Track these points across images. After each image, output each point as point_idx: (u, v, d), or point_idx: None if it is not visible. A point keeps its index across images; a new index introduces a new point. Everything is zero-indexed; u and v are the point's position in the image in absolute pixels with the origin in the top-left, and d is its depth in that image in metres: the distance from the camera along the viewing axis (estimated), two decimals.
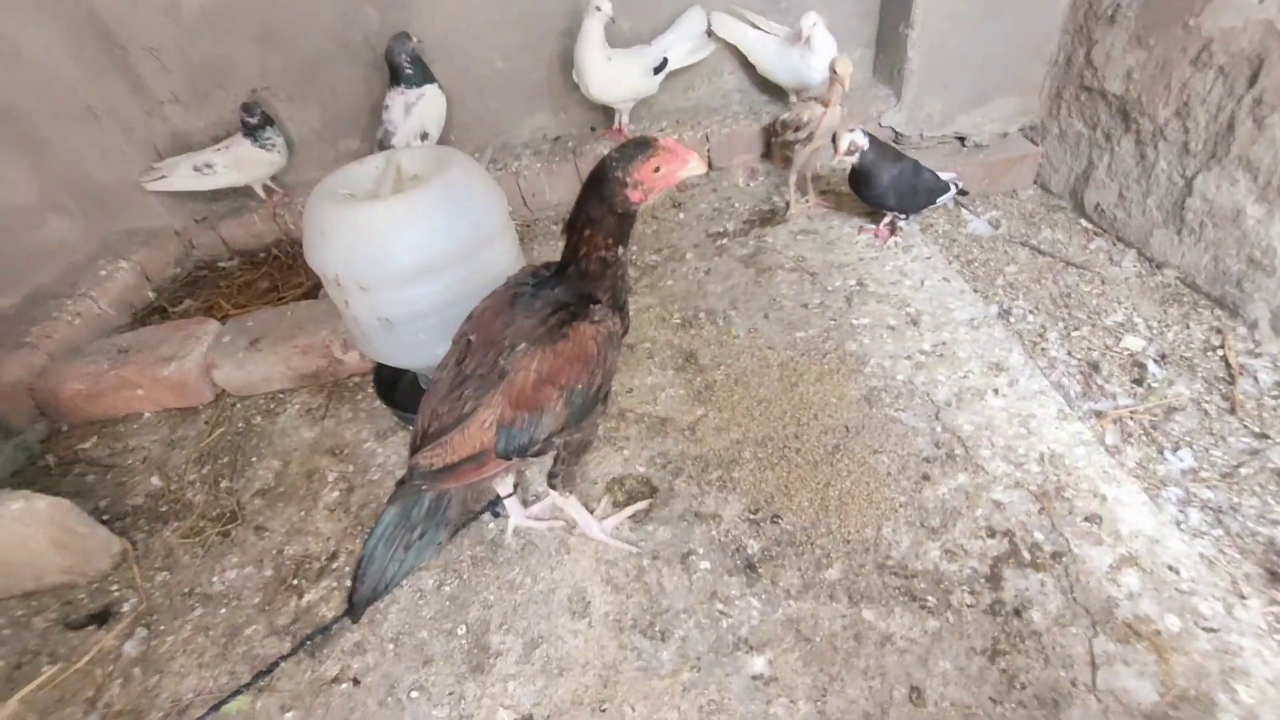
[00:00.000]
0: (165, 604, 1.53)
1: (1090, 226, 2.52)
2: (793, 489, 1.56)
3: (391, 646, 1.38)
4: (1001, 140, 2.82)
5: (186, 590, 1.55)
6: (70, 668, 1.39)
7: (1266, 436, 1.69)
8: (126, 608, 1.52)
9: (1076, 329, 2.11)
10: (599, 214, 1.12)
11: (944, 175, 2.36)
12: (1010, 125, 2.79)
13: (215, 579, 1.58)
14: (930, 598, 1.33)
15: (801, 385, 1.83)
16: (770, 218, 2.60)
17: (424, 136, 2.58)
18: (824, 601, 1.35)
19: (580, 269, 1.16)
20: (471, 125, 2.86)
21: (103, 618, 1.49)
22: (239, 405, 2.09)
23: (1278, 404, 1.76)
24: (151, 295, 2.63)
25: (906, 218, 2.38)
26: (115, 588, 1.57)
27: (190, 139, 2.72)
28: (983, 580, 1.35)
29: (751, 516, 1.52)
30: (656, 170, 1.08)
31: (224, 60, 2.59)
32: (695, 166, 1.11)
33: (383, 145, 2.55)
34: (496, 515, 1.58)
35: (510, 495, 1.52)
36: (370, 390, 2.01)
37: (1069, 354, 2.04)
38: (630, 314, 1.27)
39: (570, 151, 2.77)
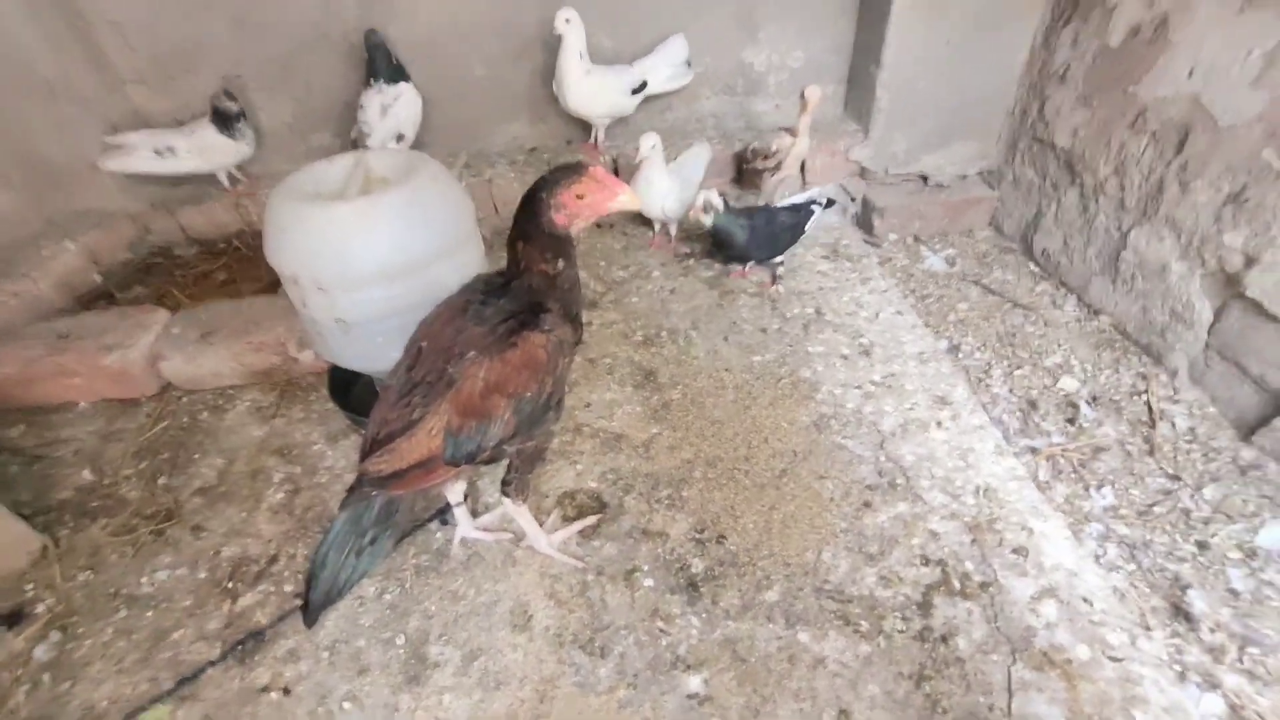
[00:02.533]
0: (86, 605, 1.46)
1: (1037, 270, 2.66)
2: (739, 510, 1.60)
3: (327, 654, 1.35)
4: (961, 182, 2.96)
5: (111, 591, 1.49)
6: None
7: (1179, 478, 1.80)
8: (41, 609, 1.45)
9: (1019, 367, 2.22)
10: (531, 231, 1.15)
11: (804, 196, 2.39)
12: (969, 168, 2.93)
13: (144, 580, 1.52)
14: (864, 622, 1.37)
15: (754, 408, 1.88)
16: None
17: (399, 138, 2.57)
18: (761, 622, 1.38)
19: (525, 282, 1.19)
20: (448, 130, 2.85)
21: (14, 619, 1.42)
22: (185, 399, 2.03)
23: (1191, 448, 1.89)
24: (98, 279, 2.52)
25: (781, 263, 2.37)
26: (30, 587, 1.49)
27: (153, 122, 2.64)
28: (914, 607, 1.40)
29: (697, 536, 1.55)
30: (581, 197, 1.12)
31: (194, 43, 2.53)
32: (625, 201, 1.15)
33: (356, 144, 2.52)
34: (445, 524, 1.57)
35: (460, 504, 1.51)
36: (324, 392, 1.98)
37: (1010, 391, 2.14)
38: (584, 324, 1.28)
39: (545, 163, 2.79)
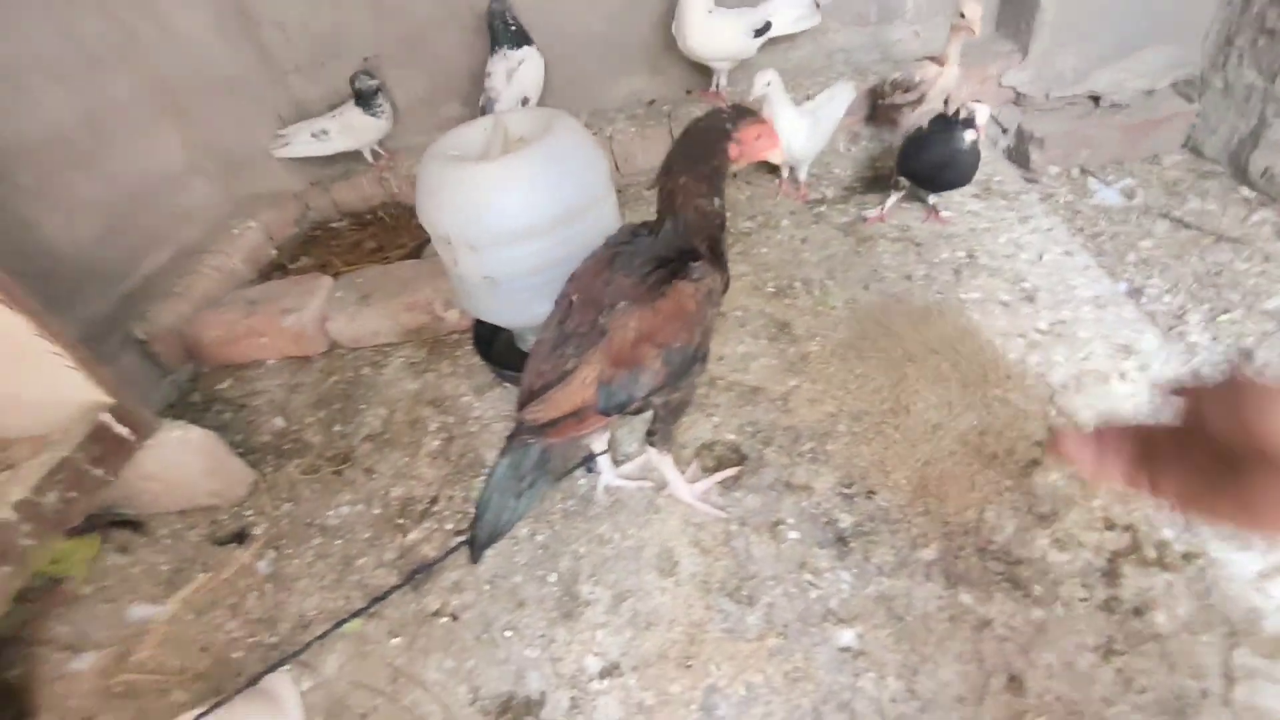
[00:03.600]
0: (290, 531, 1.69)
1: (1254, 196, 2.22)
2: (889, 465, 1.51)
3: (488, 588, 1.47)
4: (1146, 98, 2.52)
5: (307, 521, 1.71)
6: (218, 577, 1.58)
7: None
8: (259, 531, 1.69)
9: (1226, 311, 1.89)
10: (697, 161, 1.14)
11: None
12: (1160, 80, 2.48)
13: (331, 513, 1.73)
14: (1036, 586, 1.25)
15: (902, 361, 1.75)
16: (873, 184, 2.47)
17: (524, 101, 2.62)
18: (919, 580, 1.30)
19: (677, 221, 1.17)
20: (566, 88, 2.86)
21: (241, 538, 1.67)
22: (349, 356, 2.25)
23: None
24: (274, 253, 2.85)
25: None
26: (250, 513, 1.75)
27: (308, 107, 2.89)
28: (1098, 574, 1.26)
29: (844, 490, 1.48)
30: (757, 138, 1.14)
31: (339, 30, 2.72)
32: (777, 155, 1.19)
33: (485, 111, 2.60)
34: (590, 471, 1.63)
35: (604, 453, 1.55)
36: (469, 347, 2.11)
37: (1214, 339, 1.83)
38: (728, 269, 1.25)
39: (665, 116, 2.73)
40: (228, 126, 2.72)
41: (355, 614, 1.43)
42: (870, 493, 1.46)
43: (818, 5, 2.53)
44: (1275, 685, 1.07)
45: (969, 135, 1.90)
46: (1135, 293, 2.04)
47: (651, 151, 2.74)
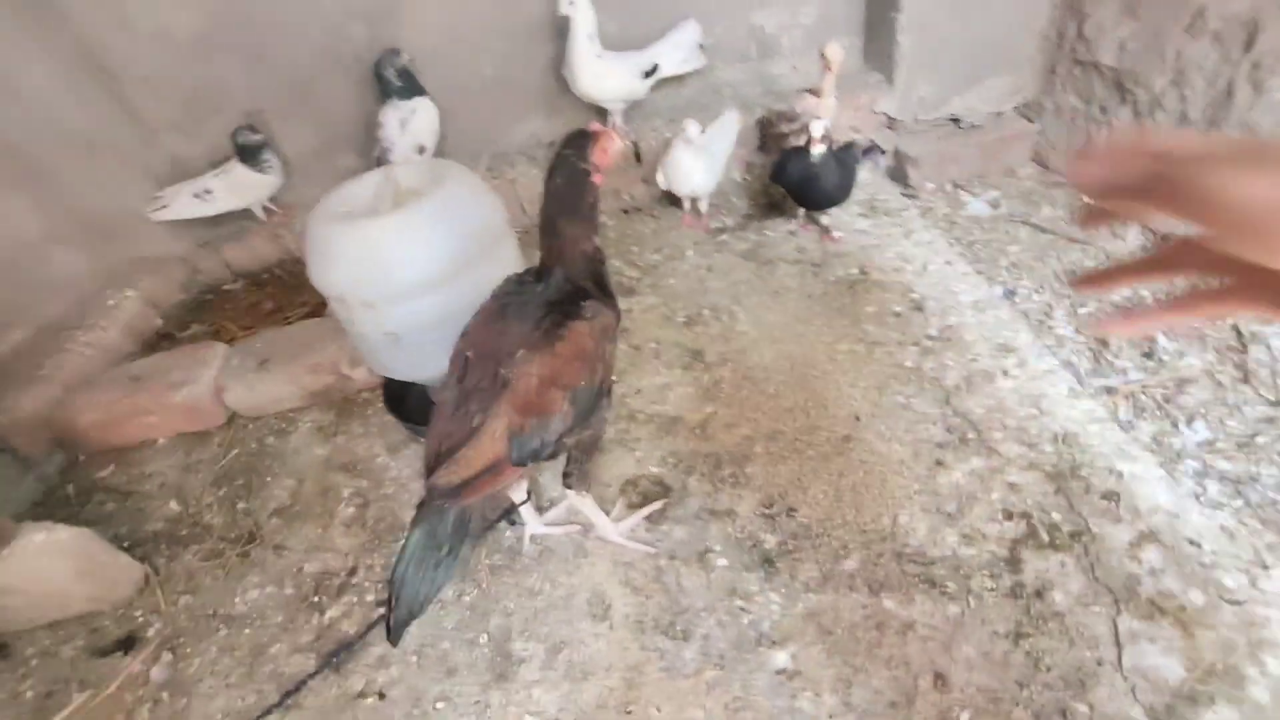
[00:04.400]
0: (189, 627, 1.54)
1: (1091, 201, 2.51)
2: (806, 482, 1.56)
3: (415, 659, 1.39)
4: (996, 120, 2.82)
5: (210, 612, 1.56)
6: (100, 694, 1.40)
7: None
8: (151, 633, 1.53)
9: (1083, 306, 2.10)
10: (572, 209, 1.16)
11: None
12: (1004, 104, 2.78)
13: (237, 599, 1.59)
14: (950, 583, 1.33)
15: (809, 377, 1.83)
16: (769, 210, 2.60)
17: (421, 150, 2.59)
18: (843, 593, 1.35)
19: (561, 268, 1.19)
20: (465, 134, 2.86)
21: (129, 644, 1.50)
22: (250, 426, 2.11)
23: None
24: (159, 322, 2.64)
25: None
26: (139, 613, 1.58)
27: (189, 165, 2.73)
28: (1002, 564, 1.35)
29: (766, 511, 1.52)
30: (604, 150, 1.16)
31: (217, 84, 2.60)
32: (617, 144, 1.20)
33: (380, 161, 2.55)
34: (513, 524, 1.59)
35: (525, 502, 1.52)
36: (380, 405, 2.02)
37: (1077, 331, 2.03)
38: (619, 304, 1.27)
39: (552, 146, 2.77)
40: (91, 190, 2.52)
41: (266, 711, 1.31)
42: (791, 511, 1.50)
43: (701, 47, 2.67)
44: (1154, 645, 1.18)
45: (816, 150, 2.09)
46: (1010, 294, 2.24)
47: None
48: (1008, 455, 1.54)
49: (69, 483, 2.01)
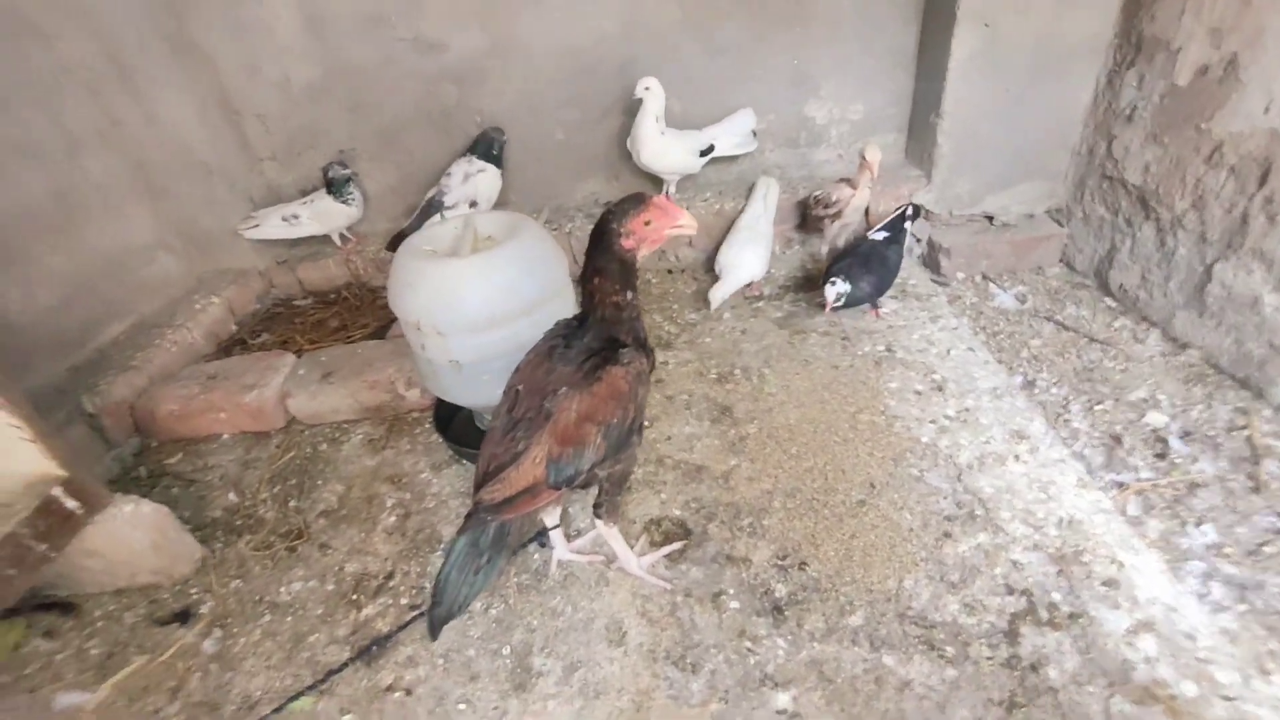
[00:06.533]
0: (238, 609, 1.67)
1: (1115, 305, 2.63)
2: (819, 539, 1.66)
3: (441, 661, 1.49)
4: (1028, 220, 2.98)
5: (257, 598, 1.70)
6: (156, 659, 1.54)
7: None
8: (204, 610, 1.67)
9: (1099, 403, 2.19)
10: (604, 263, 1.30)
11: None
12: (1036, 207, 2.95)
13: (283, 589, 1.72)
14: (949, 648, 1.40)
15: (830, 442, 1.95)
16: (804, 283, 2.78)
17: (472, 204, 2.84)
18: (846, 645, 1.42)
19: (598, 316, 1.34)
20: (531, 187, 3.14)
21: (184, 617, 1.64)
22: (307, 432, 2.29)
23: None
24: (234, 328, 2.90)
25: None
26: (195, 591, 1.72)
27: (281, 191, 3.05)
28: (1000, 635, 1.41)
29: (780, 563, 1.61)
30: (647, 224, 1.26)
31: (318, 125, 2.94)
32: (686, 225, 1.28)
33: (432, 202, 2.80)
34: (543, 546, 1.71)
35: (556, 528, 1.65)
36: (428, 425, 2.19)
37: (1092, 426, 2.12)
38: (653, 351, 1.41)
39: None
40: (200, 207, 2.84)
41: (301, 692, 1.42)
42: (803, 564, 1.60)
43: (754, 134, 2.93)
44: None
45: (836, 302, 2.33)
46: (1029, 384, 2.34)
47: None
48: (1013, 534, 1.62)
49: (141, 465, 2.20)
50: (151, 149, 2.64)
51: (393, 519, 1.91)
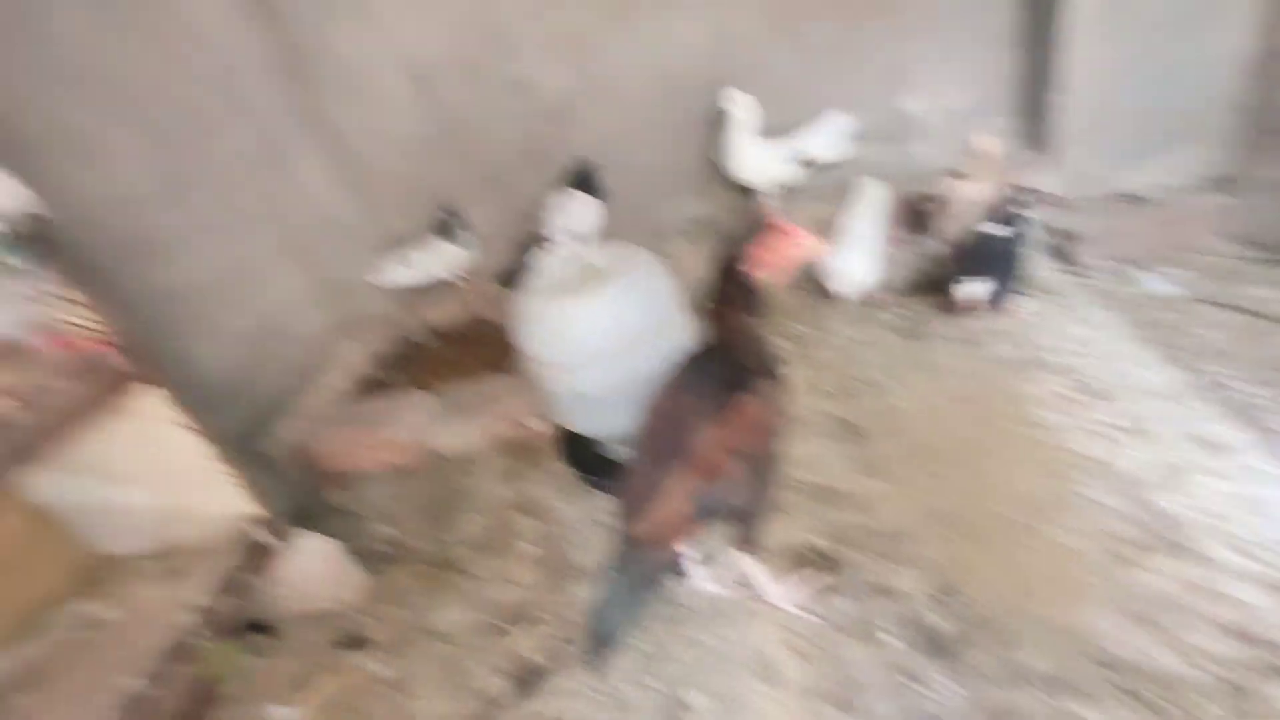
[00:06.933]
0: (401, 636, 1.80)
1: None
2: (979, 568, 1.54)
3: (594, 693, 1.52)
4: (1175, 194, 2.65)
5: (419, 626, 1.81)
6: (344, 679, 1.68)
7: None
8: (376, 636, 1.81)
9: None
10: (731, 293, 1.30)
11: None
12: (1188, 177, 2.62)
13: (438, 617, 1.83)
14: (1162, 701, 1.24)
15: (975, 458, 1.81)
16: (918, 286, 2.62)
17: (575, 235, 2.89)
18: (1023, 688, 1.31)
19: (726, 344, 1.33)
20: (623, 211, 3.18)
21: (360, 642, 1.79)
22: (446, 466, 2.44)
23: None
24: (372, 370, 3.15)
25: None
26: (365, 618, 1.87)
27: (402, 239, 3.30)
28: (1229, 688, 1.24)
29: (937, 594, 1.51)
30: (768, 248, 1.26)
31: (431, 175, 3.16)
32: (812, 249, 1.27)
33: (535, 237, 2.90)
34: (684, 577, 1.71)
35: (699, 560, 1.64)
36: (554, 455, 2.27)
37: None
38: (780, 377, 1.38)
39: (717, 233, 3.00)
40: (337, 259, 3.13)
41: None
42: (962, 595, 1.49)
43: (849, 135, 2.82)
44: None
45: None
46: (1208, 383, 2.06)
47: (703, 264, 2.99)
48: (1225, 565, 1.42)
49: (310, 501, 2.43)
50: (298, 214, 2.95)
51: (530, 548, 1.98)
